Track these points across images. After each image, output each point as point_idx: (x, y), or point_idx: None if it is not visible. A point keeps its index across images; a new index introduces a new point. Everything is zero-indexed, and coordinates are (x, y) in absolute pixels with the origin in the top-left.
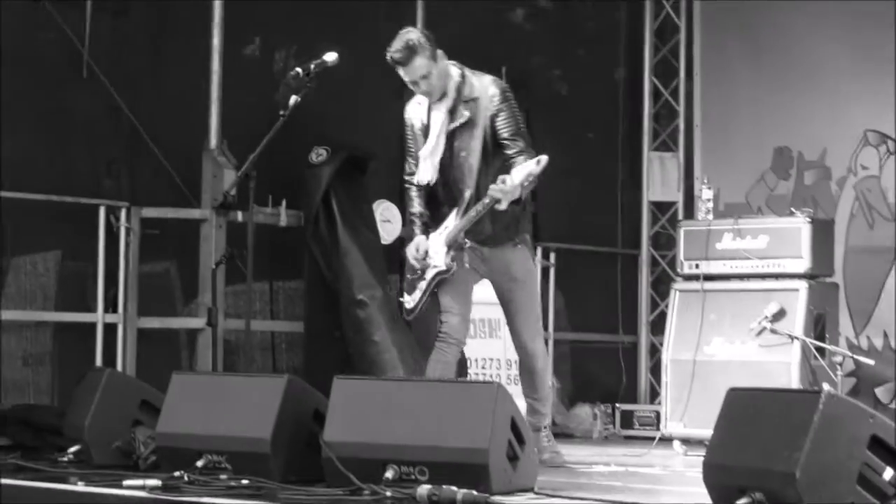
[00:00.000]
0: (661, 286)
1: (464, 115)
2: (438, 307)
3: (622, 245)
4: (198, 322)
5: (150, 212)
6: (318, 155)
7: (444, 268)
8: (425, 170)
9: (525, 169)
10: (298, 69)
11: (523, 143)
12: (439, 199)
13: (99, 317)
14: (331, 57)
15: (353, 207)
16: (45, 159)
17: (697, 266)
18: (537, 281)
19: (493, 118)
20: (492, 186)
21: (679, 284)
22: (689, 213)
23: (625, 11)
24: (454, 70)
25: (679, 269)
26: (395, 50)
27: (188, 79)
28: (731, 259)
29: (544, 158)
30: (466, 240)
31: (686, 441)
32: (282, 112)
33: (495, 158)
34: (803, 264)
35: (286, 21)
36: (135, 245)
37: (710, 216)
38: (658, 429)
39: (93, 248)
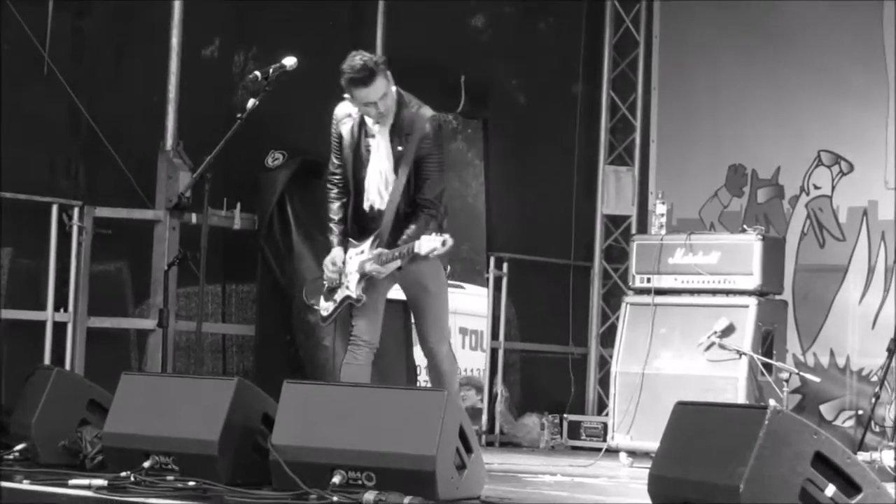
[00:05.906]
0: (613, 299)
1: (398, 148)
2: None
3: (575, 257)
4: (149, 323)
5: (104, 211)
6: (275, 159)
7: (354, 296)
8: (375, 198)
9: (431, 244)
10: (257, 73)
11: (435, 196)
12: (359, 217)
13: (49, 315)
14: (290, 61)
15: (308, 212)
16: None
17: (649, 280)
18: (447, 290)
19: (420, 160)
20: (411, 246)
21: (630, 298)
22: (643, 227)
23: (585, 25)
24: (393, 93)
25: (630, 283)
26: (355, 70)
27: (147, 80)
28: (682, 274)
29: (449, 241)
30: (381, 272)
31: (632, 453)
32: (239, 115)
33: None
34: (753, 281)
35: (246, 23)
36: (87, 244)
37: (663, 231)
38: (605, 440)
39: (45, 246)
